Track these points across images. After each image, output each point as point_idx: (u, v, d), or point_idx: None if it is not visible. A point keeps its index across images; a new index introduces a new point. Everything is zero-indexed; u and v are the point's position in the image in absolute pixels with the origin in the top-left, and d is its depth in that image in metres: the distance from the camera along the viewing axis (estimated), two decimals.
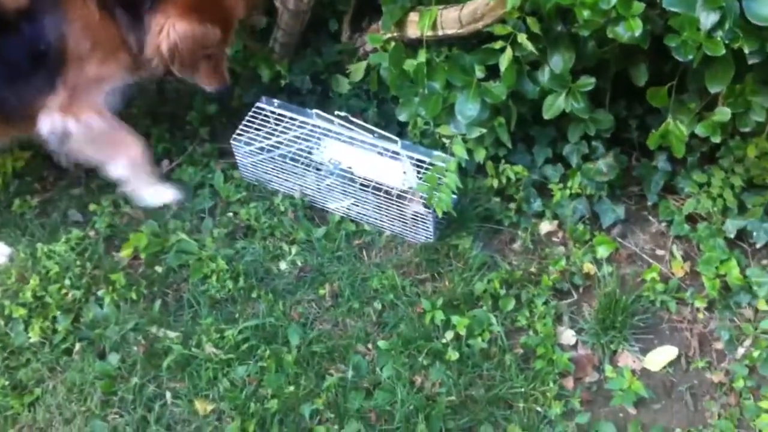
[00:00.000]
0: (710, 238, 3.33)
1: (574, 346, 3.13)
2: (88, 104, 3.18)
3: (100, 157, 3.37)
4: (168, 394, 2.92)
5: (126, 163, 3.41)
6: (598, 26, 2.95)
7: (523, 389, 2.95)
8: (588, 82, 3.23)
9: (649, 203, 3.56)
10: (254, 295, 3.20)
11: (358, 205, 3.45)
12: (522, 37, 3.04)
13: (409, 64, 3.44)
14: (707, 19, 2.68)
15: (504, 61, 3.10)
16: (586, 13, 2.85)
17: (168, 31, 3.05)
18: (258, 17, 3.81)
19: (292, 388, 2.92)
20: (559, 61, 3.22)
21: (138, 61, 3.20)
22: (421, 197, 3.25)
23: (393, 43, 3.52)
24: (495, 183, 3.50)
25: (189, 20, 3.04)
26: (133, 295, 3.17)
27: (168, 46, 3.08)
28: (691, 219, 3.45)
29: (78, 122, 3.18)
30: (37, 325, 3.06)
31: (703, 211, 3.40)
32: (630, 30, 2.82)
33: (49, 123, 3.17)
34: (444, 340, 3.06)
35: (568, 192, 3.48)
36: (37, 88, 3.11)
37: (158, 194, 3.53)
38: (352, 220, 3.47)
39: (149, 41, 3.10)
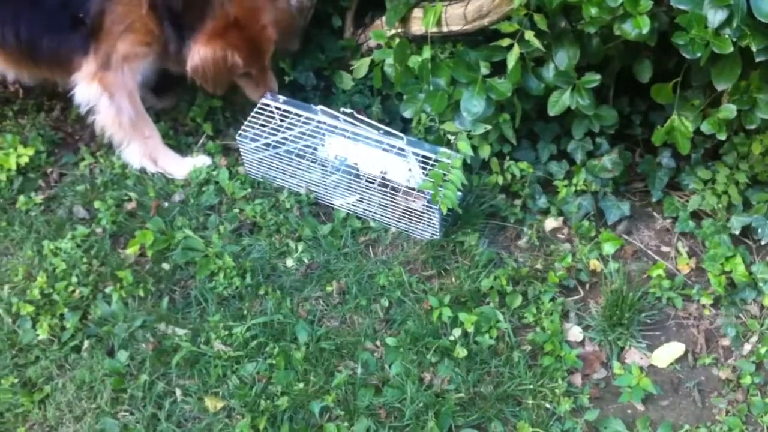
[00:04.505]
0: (715, 234, 3.35)
1: (581, 343, 3.15)
2: (122, 84, 3.43)
3: (118, 138, 3.57)
4: (178, 391, 2.92)
5: (139, 150, 3.58)
6: (605, 23, 2.96)
7: (531, 386, 2.96)
8: (593, 78, 3.24)
9: (654, 200, 3.57)
10: (261, 292, 3.20)
11: (363, 202, 3.45)
12: (529, 34, 3.05)
13: (414, 61, 3.45)
14: (715, 16, 2.70)
15: (511, 59, 3.11)
16: (593, 11, 2.87)
17: (194, 55, 3.39)
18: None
19: (301, 385, 2.92)
20: (563, 58, 3.23)
21: (168, 57, 3.49)
22: (426, 194, 3.25)
23: (397, 40, 3.52)
24: (500, 179, 3.52)
25: (212, 46, 3.37)
26: (141, 292, 3.17)
27: (193, 68, 3.43)
28: (696, 215, 3.47)
29: (111, 101, 3.44)
30: (45, 323, 3.05)
31: (708, 208, 3.42)
32: (638, 27, 2.84)
33: (85, 93, 3.45)
34: (452, 337, 3.07)
35: (573, 188, 3.49)
36: (71, 44, 3.38)
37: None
38: (357, 217, 3.47)
39: (186, 62, 3.43)
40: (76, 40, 3.35)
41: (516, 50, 3.10)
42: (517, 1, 2.95)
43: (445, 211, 3.17)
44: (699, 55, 2.80)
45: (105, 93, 3.41)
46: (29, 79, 3.67)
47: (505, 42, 3.13)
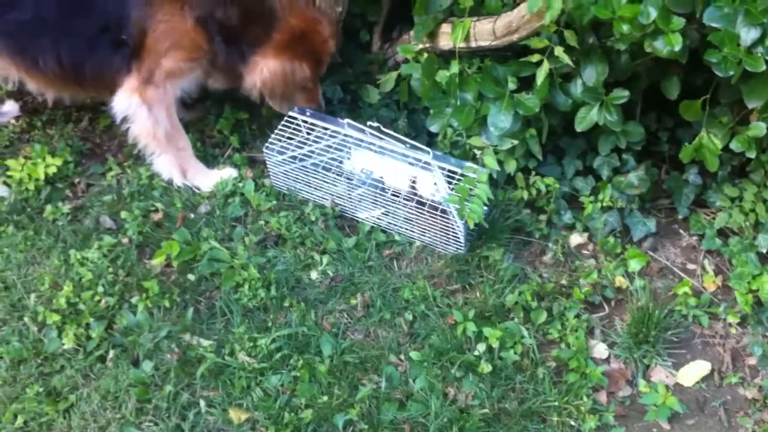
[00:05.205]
0: (742, 252, 3.33)
1: (607, 360, 3.13)
2: (162, 98, 3.45)
3: (152, 148, 3.58)
4: (202, 403, 2.93)
5: (171, 161, 3.60)
6: (635, 40, 2.95)
7: (556, 403, 2.95)
8: (622, 95, 3.24)
9: (680, 216, 3.56)
10: (286, 304, 3.20)
11: (388, 215, 3.46)
12: (559, 50, 3.05)
13: (442, 75, 3.45)
14: (748, 35, 2.70)
15: (541, 74, 3.11)
16: (625, 27, 2.86)
17: (262, 69, 3.42)
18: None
19: (325, 398, 2.92)
20: (592, 74, 3.23)
21: (214, 72, 3.53)
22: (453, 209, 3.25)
23: (425, 55, 3.53)
24: (525, 195, 3.51)
25: (280, 59, 3.42)
26: (166, 303, 3.18)
27: (261, 81, 3.46)
28: (723, 233, 3.45)
29: (149, 113, 3.45)
30: (71, 332, 3.06)
31: (734, 226, 3.40)
32: (670, 44, 2.83)
33: (124, 104, 3.46)
34: (476, 352, 3.06)
35: (599, 205, 3.48)
36: (114, 64, 3.39)
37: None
38: (382, 230, 3.47)
39: (248, 77, 3.48)
40: (119, 61, 3.36)
41: (545, 66, 3.10)
42: (549, 18, 2.94)
43: (472, 226, 3.16)
44: (731, 73, 2.79)
45: (144, 105, 3.42)
46: (70, 99, 3.72)
47: (535, 58, 3.13)
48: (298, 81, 3.50)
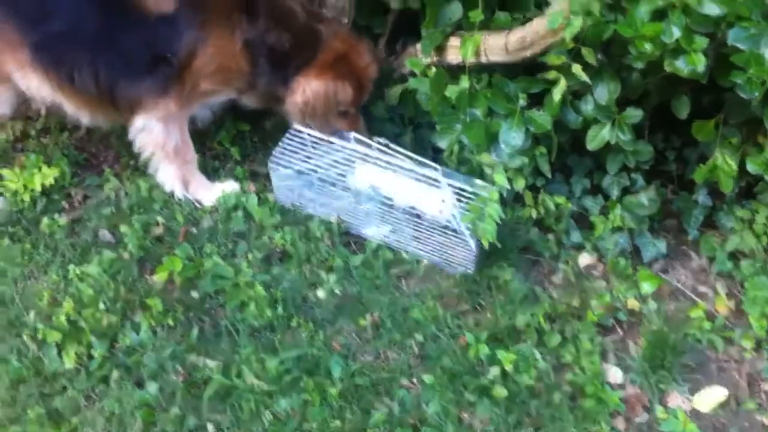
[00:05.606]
0: (755, 276, 3.30)
1: (622, 385, 3.08)
2: (182, 113, 3.38)
3: (158, 159, 3.48)
4: (210, 427, 2.83)
5: (175, 173, 3.51)
6: (654, 58, 2.91)
7: (574, 429, 2.89)
8: (635, 114, 3.21)
9: (690, 238, 3.52)
10: (293, 323, 3.12)
11: (395, 232, 3.38)
12: (577, 68, 3.00)
13: (451, 90, 3.39)
14: None
15: (557, 92, 3.07)
16: (647, 46, 2.81)
17: (304, 88, 3.36)
18: None
19: (338, 422, 2.84)
20: (604, 92, 3.19)
21: (250, 93, 3.46)
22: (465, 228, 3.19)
23: (434, 69, 3.46)
24: (533, 213, 3.45)
25: (324, 79, 3.37)
26: (170, 321, 3.08)
27: (303, 100, 3.39)
28: (734, 256, 3.42)
29: (164, 126, 3.38)
30: (72, 351, 2.96)
31: (746, 248, 3.36)
32: (692, 64, 2.80)
33: (142, 121, 3.37)
34: (490, 376, 3.00)
35: (609, 225, 3.43)
36: (150, 85, 3.27)
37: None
38: (389, 248, 3.40)
39: (289, 97, 3.41)
40: (152, 81, 3.25)
41: (562, 84, 3.06)
42: (569, 35, 2.89)
43: (486, 245, 3.10)
44: (756, 94, 2.76)
45: (161, 122, 3.35)
46: (104, 123, 3.55)
47: (552, 75, 3.09)
48: (340, 102, 3.43)
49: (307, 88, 3.36)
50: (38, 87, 3.29)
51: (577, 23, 2.89)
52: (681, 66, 2.86)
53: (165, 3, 3.14)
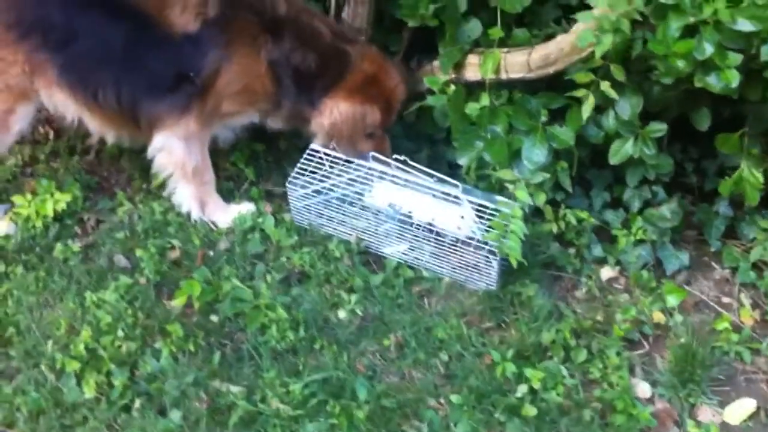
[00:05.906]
0: None
1: (651, 400, 3.03)
2: (203, 134, 3.35)
3: (176, 179, 3.45)
4: None
5: (193, 194, 3.47)
6: (683, 75, 2.87)
7: None
8: (659, 128, 3.20)
9: (712, 249, 3.48)
10: (317, 345, 3.07)
11: (414, 250, 3.34)
12: (605, 85, 2.99)
13: (471, 108, 3.36)
14: None
15: (586, 109, 3.04)
16: (680, 63, 2.78)
17: (331, 110, 3.35)
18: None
19: None
20: (626, 107, 3.16)
21: (275, 114, 3.41)
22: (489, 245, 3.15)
23: (453, 87, 3.43)
24: (554, 228, 3.41)
25: (351, 101, 3.36)
26: (191, 347, 3.02)
27: (331, 123, 3.39)
28: (756, 266, 3.38)
29: (185, 146, 3.34)
30: (92, 380, 2.89)
31: None
32: (726, 81, 2.77)
33: (162, 140, 3.34)
34: (518, 394, 2.94)
35: (632, 238, 3.40)
36: (172, 103, 3.25)
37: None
38: (409, 266, 3.35)
39: (316, 119, 3.41)
40: (174, 99, 3.24)
41: (591, 101, 3.04)
42: (599, 52, 2.87)
43: (515, 264, 3.06)
44: None
45: (182, 140, 3.32)
46: (129, 141, 3.53)
47: (581, 92, 3.06)
48: (368, 125, 3.42)
49: (335, 110, 3.35)
50: (64, 104, 3.29)
51: (607, 41, 2.86)
52: (713, 82, 2.83)
53: (189, 23, 3.13)
